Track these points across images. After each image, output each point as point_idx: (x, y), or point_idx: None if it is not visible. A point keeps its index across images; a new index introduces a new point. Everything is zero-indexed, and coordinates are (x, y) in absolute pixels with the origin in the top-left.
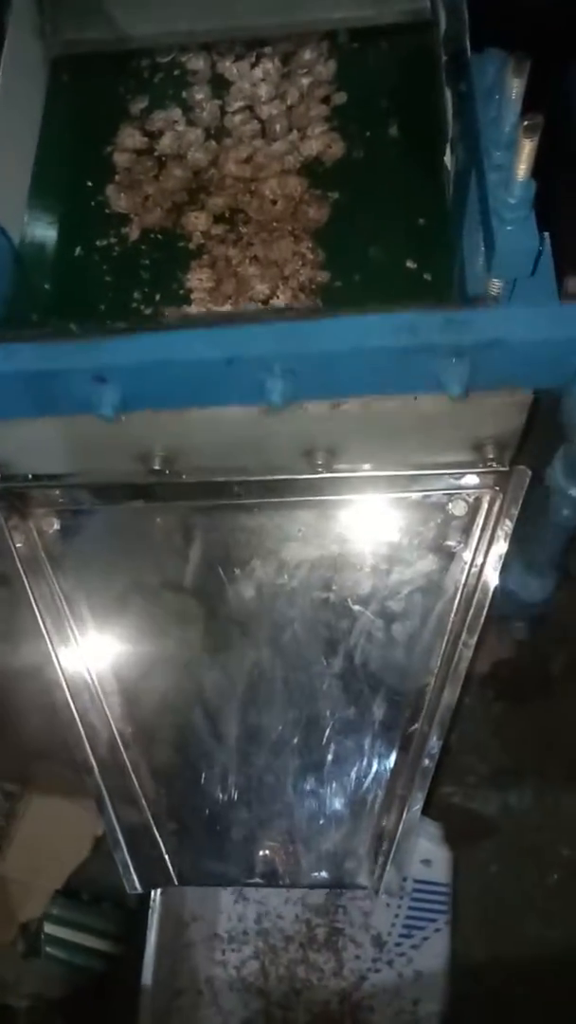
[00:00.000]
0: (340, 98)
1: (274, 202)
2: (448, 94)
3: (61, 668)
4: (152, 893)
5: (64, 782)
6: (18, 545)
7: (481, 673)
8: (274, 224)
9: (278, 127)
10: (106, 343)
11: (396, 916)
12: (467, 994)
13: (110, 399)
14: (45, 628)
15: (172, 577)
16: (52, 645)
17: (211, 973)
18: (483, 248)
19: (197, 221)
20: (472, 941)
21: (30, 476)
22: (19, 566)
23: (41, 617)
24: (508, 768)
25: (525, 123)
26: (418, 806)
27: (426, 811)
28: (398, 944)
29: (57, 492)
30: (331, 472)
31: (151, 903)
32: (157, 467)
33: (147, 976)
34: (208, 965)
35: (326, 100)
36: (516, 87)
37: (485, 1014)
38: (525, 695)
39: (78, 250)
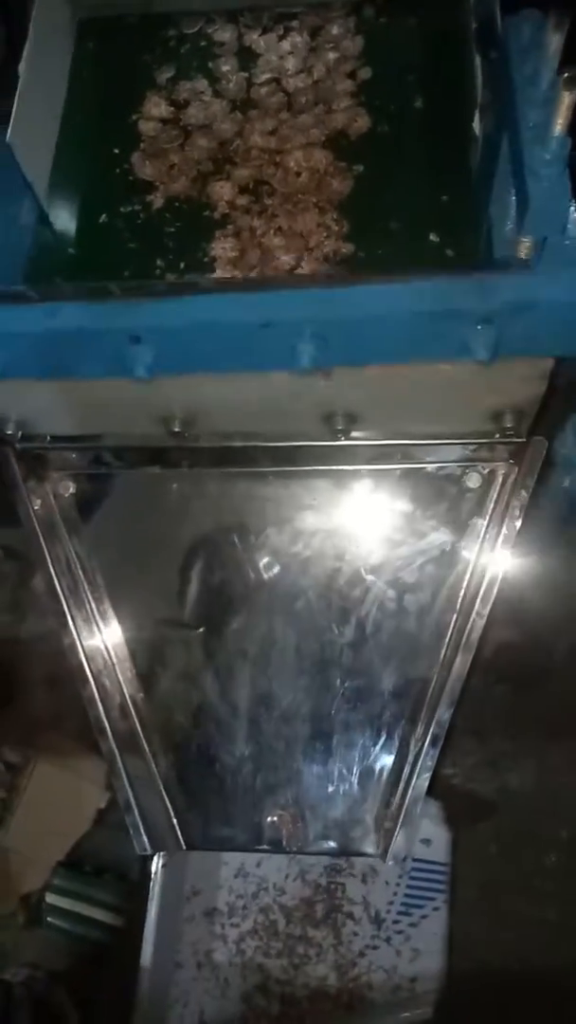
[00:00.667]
0: (366, 73)
1: (298, 174)
2: (478, 61)
3: (76, 630)
4: (154, 866)
5: (68, 755)
6: (36, 508)
7: (483, 657)
8: (299, 196)
9: (304, 100)
10: (144, 304)
11: (395, 894)
12: (464, 972)
13: (144, 360)
14: (61, 592)
15: (186, 544)
16: (68, 608)
17: (211, 947)
18: (513, 211)
19: (222, 190)
20: (470, 920)
21: (48, 438)
22: (37, 528)
23: (57, 580)
24: (508, 751)
25: (566, 75)
26: (427, 774)
27: (427, 791)
28: (396, 922)
29: (74, 455)
30: (349, 439)
31: (152, 876)
32: (177, 429)
33: (147, 949)
34: (208, 939)
35: (352, 75)
36: (555, 43)
37: (482, 992)
38: (527, 679)
39: (103, 216)
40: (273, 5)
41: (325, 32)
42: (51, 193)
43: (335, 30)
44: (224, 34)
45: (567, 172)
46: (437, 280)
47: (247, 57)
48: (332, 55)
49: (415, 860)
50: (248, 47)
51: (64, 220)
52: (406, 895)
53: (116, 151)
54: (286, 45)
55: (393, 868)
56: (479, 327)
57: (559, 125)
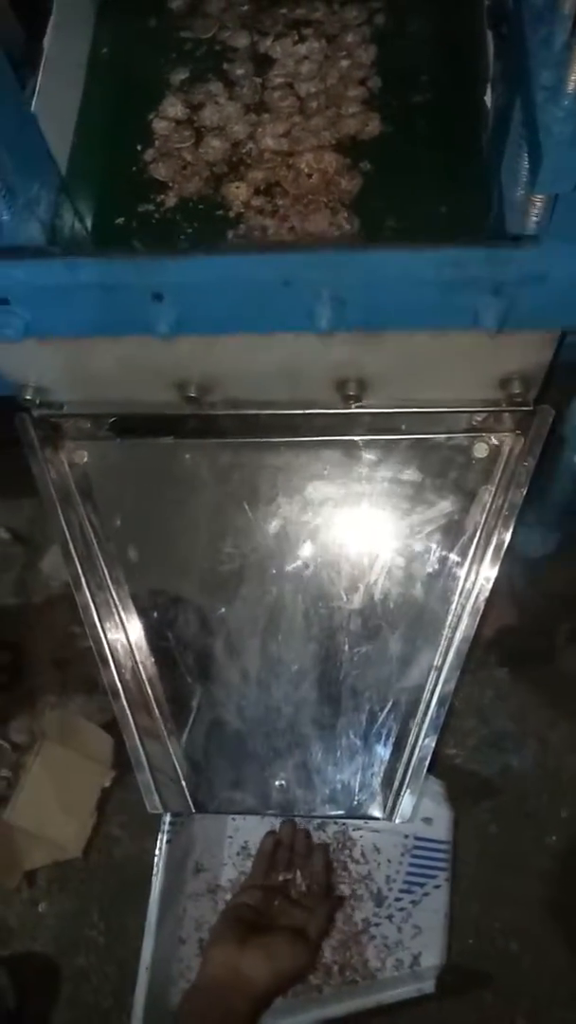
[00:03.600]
0: (377, 82)
1: (310, 176)
2: (489, 36)
3: (90, 594)
4: (158, 842)
5: (74, 735)
6: (52, 476)
7: (485, 638)
8: (309, 197)
9: (315, 104)
10: (167, 261)
11: (397, 872)
12: (465, 950)
13: (166, 318)
14: (76, 557)
15: (199, 513)
16: (82, 573)
17: (213, 922)
18: (524, 175)
19: (238, 191)
20: (471, 898)
21: (64, 406)
22: (53, 496)
23: (72, 546)
24: (510, 732)
25: None
26: (434, 735)
27: (429, 770)
28: (398, 899)
29: (88, 424)
30: (359, 406)
31: (156, 852)
32: (193, 394)
33: (150, 924)
34: (211, 915)
35: (364, 82)
36: (569, 5)
37: (482, 969)
38: (528, 661)
39: (119, 217)
40: (288, 12)
41: (340, 39)
42: (69, 178)
43: (350, 38)
44: (238, 40)
45: None
46: (450, 250)
47: (261, 62)
48: (345, 63)
49: (416, 838)
50: (263, 53)
51: (80, 211)
52: (408, 873)
53: (136, 147)
54: (302, 50)
55: (395, 847)
56: (489, 297)
57: (572, 83)
